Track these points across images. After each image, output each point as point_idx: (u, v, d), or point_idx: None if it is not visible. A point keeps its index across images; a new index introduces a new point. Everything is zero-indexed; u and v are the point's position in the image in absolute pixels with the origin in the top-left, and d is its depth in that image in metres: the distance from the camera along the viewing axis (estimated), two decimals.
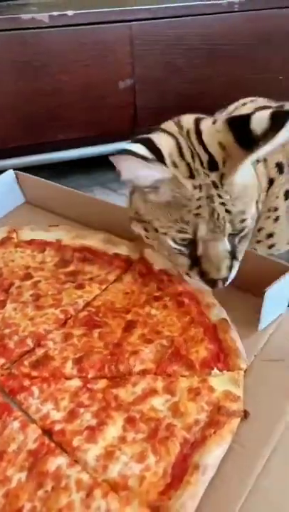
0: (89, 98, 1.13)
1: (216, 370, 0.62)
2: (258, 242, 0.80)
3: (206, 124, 0.66)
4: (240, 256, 0.66)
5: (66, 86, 1.18)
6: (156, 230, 0.67)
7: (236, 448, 0.55)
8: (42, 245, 0.86)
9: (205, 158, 0.62)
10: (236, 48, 1.13)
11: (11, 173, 0.94)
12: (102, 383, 0.62)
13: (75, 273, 0.80)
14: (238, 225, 0.63)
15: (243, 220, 0.63)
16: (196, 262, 0.65)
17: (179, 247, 0.65)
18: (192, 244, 0.64)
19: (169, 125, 0.69)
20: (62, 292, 0.76)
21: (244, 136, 0.60)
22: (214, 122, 0.66)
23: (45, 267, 0.82)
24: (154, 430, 0.55)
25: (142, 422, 0.56)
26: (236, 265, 0.66)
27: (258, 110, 0.72)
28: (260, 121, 0.59)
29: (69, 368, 0.64)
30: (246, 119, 0.61)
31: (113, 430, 0.56)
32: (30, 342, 0.68)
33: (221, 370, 0.62)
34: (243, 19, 1.22)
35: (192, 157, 0.63)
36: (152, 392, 0.60)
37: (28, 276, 0.79)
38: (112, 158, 0.59)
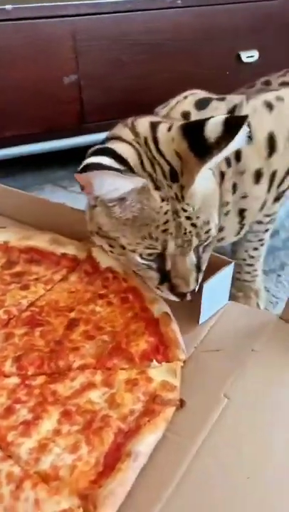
0: (34, 94, 1.13)
1: (154, 362, 0.63)
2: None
3: (162, 130, 0.64)
4: (204, 266, 0.66)
5: (11, 82, 1.17)
6: (123, 247, 0.65)
7: (170, 437, 0.55)
8: None
9: (166, 168, 0.61)
10: (180, 44, 1.16)
11: None
12: (40, 379, 0.62)
13: (21, 274, 0.80)
14: (204, 236, 0.63)
15: (208, 231, 0.63)
16: (165, 276, 0.65)
17: (147, 262, 0.64)
18: (160, 258, 0.63)
19: (125, 132, 0.67)
20: (6, 294, 0.76)
21: (198, 144, 0.59)
22: (169, 129, 0.65)
23: None
24: (89, 422, 0.55)
25: (78, 414, 0.56)
26: (201, 276, 0.66)
27: (199, 103, 0.74)
28: (214, 128, 0.58)
29: (8, 366, 0.64)
30: (200, 125, 0.59)
31: (48, 424, 0.56)
32: None
33: (159, 362, 0.63)
34: (187, 15, 1.25)
35: (153, 167, 0.62)
36: (90, 385, 0.60)
37: None
38: (78, 176, 0.56)
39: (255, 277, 1.02)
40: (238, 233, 0.84)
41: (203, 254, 0.65)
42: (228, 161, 0.76)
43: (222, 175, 0.75)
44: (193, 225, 0.61)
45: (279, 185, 0.86)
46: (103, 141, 0.70)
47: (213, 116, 0.60)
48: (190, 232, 0.61)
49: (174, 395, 0.59)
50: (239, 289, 1.02)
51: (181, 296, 0.65)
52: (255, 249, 0.96)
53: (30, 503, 0.47)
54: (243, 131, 0.57)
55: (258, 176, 0.81)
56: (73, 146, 1.25)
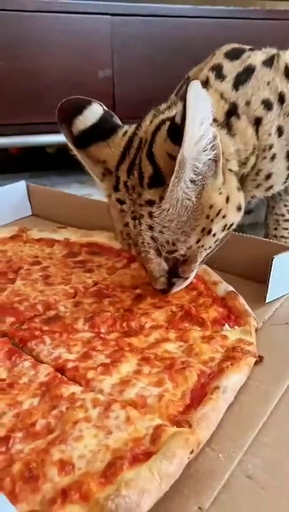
0: (69, 83, 1.22)
1: (227, 326, 0.63)
2: (258, 186, 0.77)
3: (162, 131, 0.59)
4: (186, 274, 0.64)
5: (49, 68, 1.29)
6: None
7: (254, 384, 0.54)
8: (50, 242, 0.89)
9: (148, 173, 0.57)
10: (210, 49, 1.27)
11: (22, 184, 1.00)
12: (114, 335, 0.62)
13: (84, 261, 0.82)
14: (165, 254, 0.60)
15: (172, 251, 0.59)
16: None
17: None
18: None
19: (130, 130, 0.65)
20: (71, 275, 0.78)
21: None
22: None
23: (54, 256, 0.84)
24: (169, 365, 0.54)
25: (157, 360, 0.56)
26: (182, 282, 0.65)
27: (230, 53, 0.75)
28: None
29: (80, 324, 0.64)
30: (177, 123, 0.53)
31: (127, 366, 0.55)
32: (40, 308, 0.68)
33: (232, 327, 0.63)
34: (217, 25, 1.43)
35: (129, 171, 0.60)
36: (165, 339, 0.60)
37: (37, 263, 0.81)
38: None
39: None
40: (286, 180, 0.79)
41: (183, 266, 0.62)
42: (267, 103, 0.71)
43: (258, 121, 0.71)
44: (154, 238, 0.58)
45: None
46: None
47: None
48: (148, 244, 0.59)
49: (252, 348, 0.58)
50: None
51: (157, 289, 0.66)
52: None
53: (122, 420, 0.45)
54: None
55: None
56: None
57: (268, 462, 0.43)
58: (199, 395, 0.50)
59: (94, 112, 0.65)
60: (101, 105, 0.67)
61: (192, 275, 0.66)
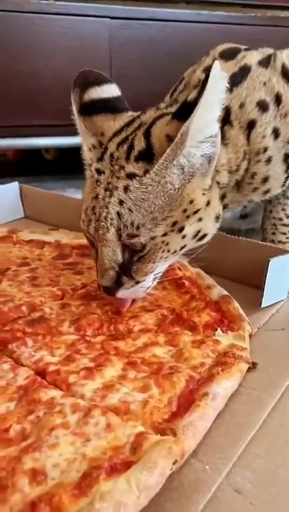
0: (67, 85, 1.21)
1: (219, 331, 0.59)
2: (255, 190, 0.74)
3: (165, 118, 0.60)
4: (138, 277, 0.58)
5: (48, 70, 1.29)
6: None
7: (246, 391, 0.51)
8: (40, 244, 0.86)
9: (138, 148, 0.57)
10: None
11: (15, 185, 0.98)
12: (100, 338, 0.59)
13: (74, 263, 0.80)
14: (125, 238, 0.55)
15: (132, 236, 0.55)
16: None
17: (90, 238, 0.61)
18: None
19: (135, 114, 0.66)
20: (60, 276, 0.75)
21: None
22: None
23: (43, 258, 0.81)
24: (156, 369, 0.51)
25: (144, 365, 0.53)
26: (131, 285, 0.58)
27: (225, 53, 0.74)
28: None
29: (66, 327, 0.61)
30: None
31: (112, 370, 0.52)
32: (25, 309, 0.65)
33: (225, 332, 0.60)
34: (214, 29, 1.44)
35: (120, 145, 0.59)
36: (154, 343, 0.57)
37: (25, 264, 0.79)
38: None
39: None
40: (284, 184, 0.77)
41: (137, 263, 0.57)
42: (262, 105, 0.70)
43: (251, 124, 0.69)
44: (119, 214, 0.55)
45: None
46: None
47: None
48: (111, 220, 0.55)
49: (245, 353, 0.55)
50: None
51: (101, 287, 0.59)
52: None
53: (101, 427, 0.42)
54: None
55: None
56: None
57: (258, 475, 0.40)
58: (187, 402, 0.47)
59: (111, 90, 0.67)
60: (119, 89, 0.69)
61: (144, 283, 0.59)
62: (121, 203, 0.55)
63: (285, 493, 0.39)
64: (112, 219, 0.55)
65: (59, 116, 1.22)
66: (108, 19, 1.33)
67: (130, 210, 0.55)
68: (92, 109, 0.65)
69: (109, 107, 0.66)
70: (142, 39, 1.39)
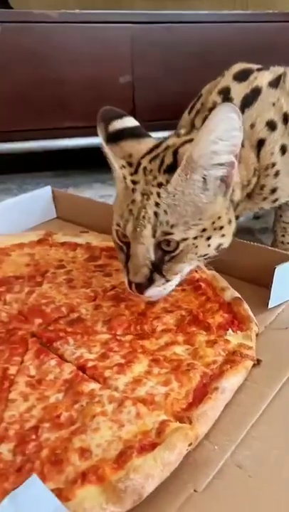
0: (92, 89, 1.32)
1: (230, 331, 0.70)
2: (264, 199, 0.83)
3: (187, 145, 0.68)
4: (169, 275, 0.66)
5: (72, 76, 1.39)
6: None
7: (250, 385, 0.61)
8: (73, 246, 0.97)
9: (168, 161, 0.66)
10: (228, 55, 1.28)
11: (48, 189, 1.09)
12: (129, 337, 0.69)
13: (104, 266, 0.90)
14: (160, 235, 0.63)
15: (167, 233, 0.63)
16: (128, 260, 0.67)
17: (120, 244, 0.69)
18: (128, 242, 0.67)
19: (168, 136, 0.75)
20: (92, 278, 0.86)
21: None
22: None
23: (77, 260, 0.92)
24: (176, 366, 0.62)
25: (166, 362, 0.63)
26: (161, 283, 0.66)
27: (238, 75, 0.81)
28: None
29: (99, 327, 0.72)
30: None
31: (140, 367, 0.62)
32: (64, 310, 0.76)
33: (235, 332, 0.70)
34: (236, 30, 1.50)
35: (152, 160, 0.68)
36: (174, 342, 0.67)
37: (61, 266, 0.89)
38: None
39: None
40: None
41: (168, 262, 0.65)
42: (271, 124, 0.77)
43: (261, 143, 0.77)
44: (156, 214, 0.63)
45: None
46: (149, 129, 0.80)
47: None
48: (149, 218, 0.63)
49: (251, 352, 0.65)
50: None
51: (131, 284, 0.67)
52: None
53: (133, 415, 0.53)
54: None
55: None
56: None
57: (255, 454, 0.51)
58: (201, 394, 0.57)
59: (131, 121, 0.77)
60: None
61: (173, 282, 0.68)
62: (157, 204, 0.63)
63: (277, 468, 0.50)
64: (149, 217, 0.63)
65: (87, 118, 1.31)
66: (130, 24, 1.40)
67: (165, 211, 0.63)
68: (118, 136, 0.74)
69: (133, 133, 0.75)
70: (162, 41, 1.45)
